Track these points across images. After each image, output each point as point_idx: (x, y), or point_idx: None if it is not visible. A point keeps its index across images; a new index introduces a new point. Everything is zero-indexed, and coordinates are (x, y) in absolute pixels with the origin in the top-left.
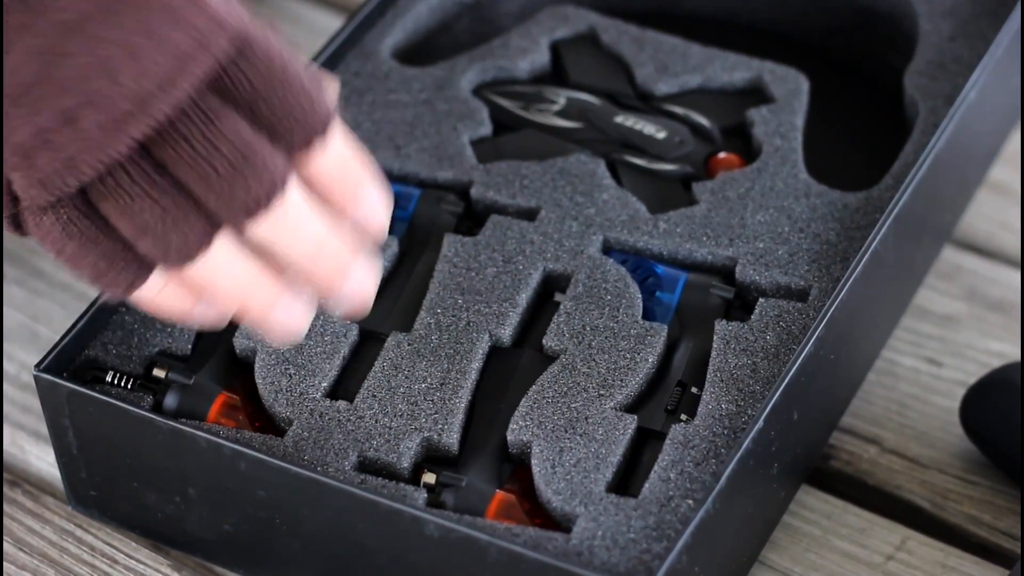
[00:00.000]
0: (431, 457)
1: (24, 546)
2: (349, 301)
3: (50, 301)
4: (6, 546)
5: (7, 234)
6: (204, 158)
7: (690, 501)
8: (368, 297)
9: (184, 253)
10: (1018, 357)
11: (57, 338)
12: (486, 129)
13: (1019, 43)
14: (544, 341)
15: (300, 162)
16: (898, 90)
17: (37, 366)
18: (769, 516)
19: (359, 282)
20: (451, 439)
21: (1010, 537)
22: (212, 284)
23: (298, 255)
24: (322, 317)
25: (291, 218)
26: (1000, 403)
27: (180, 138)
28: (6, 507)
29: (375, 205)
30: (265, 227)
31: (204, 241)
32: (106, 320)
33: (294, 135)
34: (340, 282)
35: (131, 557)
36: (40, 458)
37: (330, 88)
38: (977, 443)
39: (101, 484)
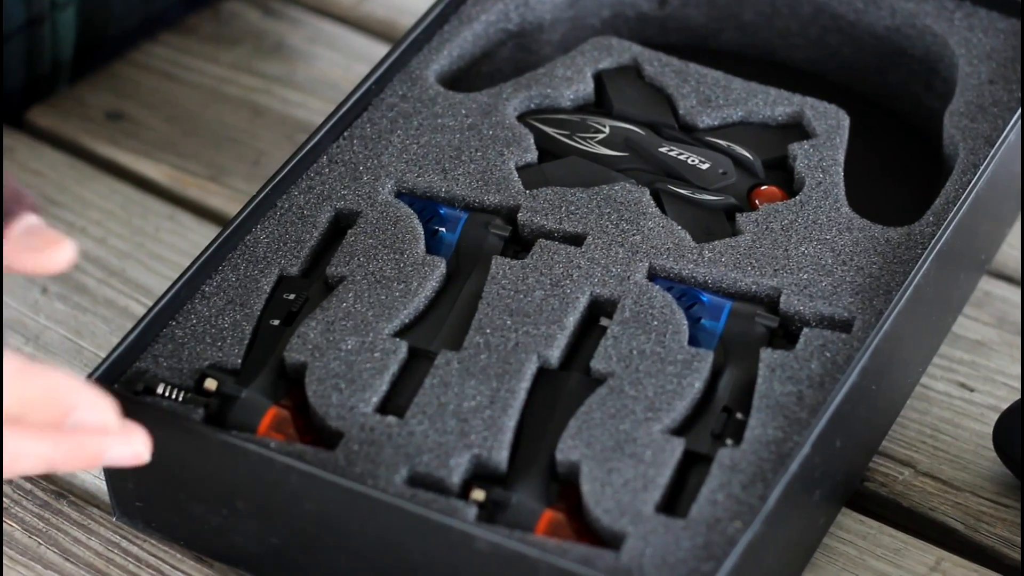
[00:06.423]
0: (480, 474)
1: (70, 556)
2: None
3: (93, 316)
4: (53, 556)
5: None
6: None
7: (738, 523)
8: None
9: None
10: None
11: (100, 353)
12: (532, 155)
13: None
14: (592, 364)
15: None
16: (933, 129)
17: (89, 376)
18: (810, 541)
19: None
20: (500, 457)
21: None
22: None
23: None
24: (371, 333)
25: (8, 456)
26: None
27: None
28: (53, 519)
29: (90, 409)
30: None
31: None
32: (156, 333)
33: None
34: (94, 464)
35: (176, 569)
36: (86, 469)
37: None
38: (1010, 466)
39: (147, 495)
